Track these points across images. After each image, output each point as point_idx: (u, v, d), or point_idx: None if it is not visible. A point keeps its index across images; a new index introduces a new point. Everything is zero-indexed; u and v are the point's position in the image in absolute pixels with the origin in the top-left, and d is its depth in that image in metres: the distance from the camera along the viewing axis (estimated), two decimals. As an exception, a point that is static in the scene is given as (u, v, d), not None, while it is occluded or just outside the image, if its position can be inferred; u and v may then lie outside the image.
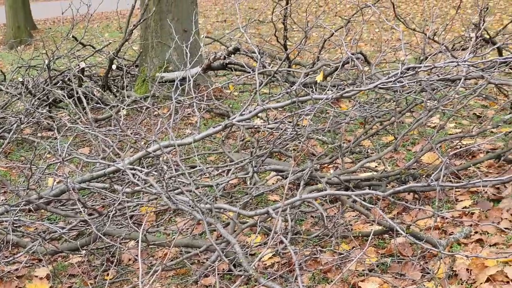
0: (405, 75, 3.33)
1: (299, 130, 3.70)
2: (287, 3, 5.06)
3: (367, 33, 10.34)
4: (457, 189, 3.70)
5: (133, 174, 3.07)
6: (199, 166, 3.34)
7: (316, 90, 4.69)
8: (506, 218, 3.34)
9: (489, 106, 5.18)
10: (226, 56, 5.42)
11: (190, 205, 2.80)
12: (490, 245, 3.10)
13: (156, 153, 3.28)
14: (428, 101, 4.01)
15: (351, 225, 3.42)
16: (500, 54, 5.10)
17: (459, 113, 5.12)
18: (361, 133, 4.03)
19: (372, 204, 3.59)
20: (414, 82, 3.72)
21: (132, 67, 6.67)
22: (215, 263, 2.70)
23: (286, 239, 2.65)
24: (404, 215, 3.52)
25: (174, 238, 3.06)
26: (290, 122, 3.70)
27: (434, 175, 2.74)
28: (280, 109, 4.76)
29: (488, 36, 5.03)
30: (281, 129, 3.64)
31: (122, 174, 3.70)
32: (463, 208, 3.51)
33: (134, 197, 3.56)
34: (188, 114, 5.39)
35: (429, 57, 4.26)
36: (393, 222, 2.74)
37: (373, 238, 3.28)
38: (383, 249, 3.17)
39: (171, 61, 5.94)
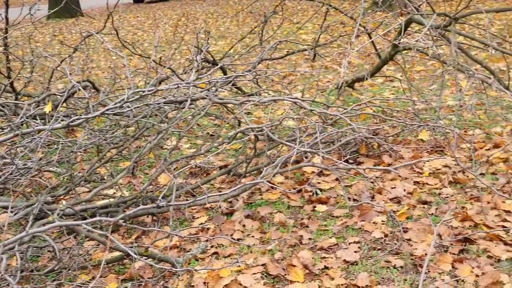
0: (131, 99, 3.36)
1: (26, 163, 3.53)
2: (6, 32, 4.83)
3: (105, 60, 10.29)
4: (193, 207, 3.82)
5: None
6: None
7: (49, 121, 4.52)
8: (238, 229, 3.52)
9: (221, 125, 5.44)
10: None
11: None
12: (225, 257, 3.23)
13: None
14: (160, 124, 4.09)
15: (90, 254, 3.34)
16: (225, 74, 5.39)
17: (194, 133, 5.31)
18: (95, 161, 3.97)
19: (114, 231, 3.57)
20: (142, 106, 3.78)
21: None
22: None
23: (15, 278, 2.50)
24: (144, 238, 3.53)
25: None
26: (17, 155, 3.52)
27: (161, 195, 2.78)
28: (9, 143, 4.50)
29: (212, 58, 5.29)
30: (6, 164, 3.44)
31: None
32: (200, 224, 3.63)
33: None
34: None
35: (157, 80, 4.35)
36: (126, 247, 2.73)
37: (113, 265, 3.24)
38: (123, 275, 3.14)
39: None
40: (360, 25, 5.29)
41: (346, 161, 4.22)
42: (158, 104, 3.60)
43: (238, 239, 3.40)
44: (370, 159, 4.38)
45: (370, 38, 5.60)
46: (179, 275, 3.01)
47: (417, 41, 3.52)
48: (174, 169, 4.23)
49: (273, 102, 4.21)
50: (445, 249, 3.16)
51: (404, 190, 3.84)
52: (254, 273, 3.02)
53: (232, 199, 3.88)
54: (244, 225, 3.57)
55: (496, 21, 10.45)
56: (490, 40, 4.73)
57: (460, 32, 5.28)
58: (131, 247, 3.10)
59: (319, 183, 4.05)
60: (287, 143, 3.68)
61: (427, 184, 3.96)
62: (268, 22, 6.13)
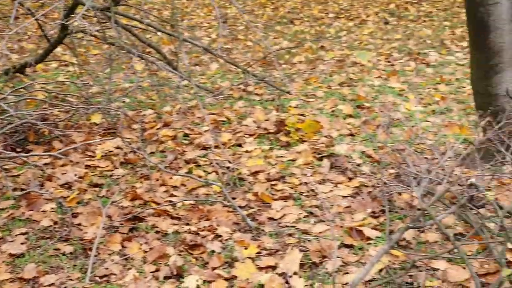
0: None
1: None
2: None
3: None
4: None
5: None
6: None
7: None
8: None
9: None
10: None
11: None
12: None
13: None
14: None
15: None
16: None
17: None
18: None
19: None
20: None
21: None
22: None
23: None
24: None
25: None
26: None
27: None
28: None
29: None
30: None
31: None
32: None
33: None
34: None
35: None
36: None
37: None
38: None
39: None
40: (22, 5, 5.04)
41: (14, 149, 3.99)
42: None
43: None
44: (40, 146, 4.20)
45: (37, 21, 5.36)
46: None
47: (76, 22, 3.44)
48: None
49: None
50: (115, 229, 3.17)
51: (75, 175, 3.77)
52: None
53: None
54: None
55: (170, 5, 10.87)
56: (150, 21, 4.86)
57: (126, 14, 5.36)
58: None
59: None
60: None
61: (98, 167, 3.94)
62: None
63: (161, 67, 4.96)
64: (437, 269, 2.73)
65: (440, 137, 4.21)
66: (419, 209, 2.61)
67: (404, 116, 4.72)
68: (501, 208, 2.62)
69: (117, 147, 4.21)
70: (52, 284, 2.73)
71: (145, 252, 2.96)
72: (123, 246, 3.02)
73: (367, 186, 3.56)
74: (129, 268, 2.84)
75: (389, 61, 6.63)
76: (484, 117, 3.26)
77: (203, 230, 3.14)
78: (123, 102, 5.26)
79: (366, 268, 2.44)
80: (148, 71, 5.63)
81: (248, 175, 3.77)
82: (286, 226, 3.19)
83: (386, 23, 9.18)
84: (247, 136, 4.40)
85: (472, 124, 4.34)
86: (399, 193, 3.37)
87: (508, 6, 3.44)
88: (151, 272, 2.80)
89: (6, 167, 3.79)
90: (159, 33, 5.69)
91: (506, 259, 2.57)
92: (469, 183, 2.96)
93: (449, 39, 7.65)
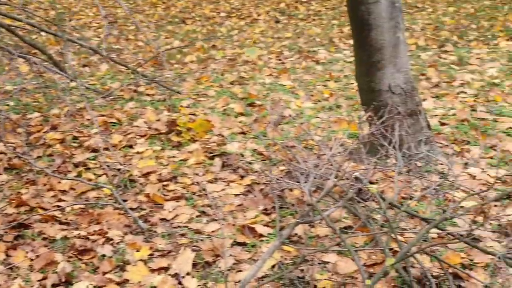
0: None
1: None
2: None
3: None
4: None
5: None
6: None
7: None
8: None
9: None
10: None
11: None
12: None
13: None
14: None
15: None
16: None
17: None
18: None
19: None
20: None
21: None
22: None
23: None
24: None
25: None
26: None
27: None
28: None
29: None
30: None
31: None
32: None
33: None
34: None
35: None
36: None
37: None
38: None
39: None
40: None
41: None
42: None
43: None
44: None
45: None
46: None
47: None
48: None
49: None
50: (-1, 238, 3.04)
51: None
52: None
53: None
54: None
55: (58, 5, 10.55)
56: (34, 22, 4.70)
57: (8, 14, 5.15)
58: None
59: None
60: None
61: (-21, 174, 3.77)
62: None
63: (47, 68, 4.79)
64: (327, 262, 2.79)
65: (329, 133, 4.31)
66: (308, 205, 2.65)
67: (294, 113, 4.79)
68: (383, 200, 2.71)
69: (1, 152, 4.03)
70: None
71: (32, 260, 2.85)
72: (7, 255, 2.90)
73: (258, 184, 3.59)
74: (14, 278, 2.73)
75: (280, 59, 6.72)
76: (367, 113, 3.36)
77: (93, 234, 3.06)
78: (7, 105, 5.05)
79: (258, 265, 2.46)
80: (34, 73, 5.43)
81: (140, 177, 3.71)
82: (179, 227, 3.17)
83: (277, 22, 9.31)
84: (138, 137, 4.33)
85: (358, 119, 4.48)
86: (290, 190, 3.42)
87: (387, 4, 3.57)
88: (38, 280, 2.71)
89: None
90: (44, 34, 5.48)
91: (391, 249, 2.65)
92: (353, 177, 3.05)
93: (337, 37, 7.85)
